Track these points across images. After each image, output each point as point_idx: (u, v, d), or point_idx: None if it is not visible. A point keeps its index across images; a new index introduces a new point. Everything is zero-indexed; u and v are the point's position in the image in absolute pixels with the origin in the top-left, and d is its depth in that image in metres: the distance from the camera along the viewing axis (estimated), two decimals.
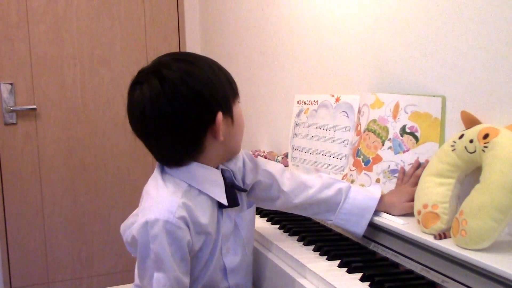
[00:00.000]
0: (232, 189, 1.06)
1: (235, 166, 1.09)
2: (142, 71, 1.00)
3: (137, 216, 0.98)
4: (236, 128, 1.04)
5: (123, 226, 1.05)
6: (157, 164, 1.05)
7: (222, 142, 1.01)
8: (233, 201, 1.04)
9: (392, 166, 1.12)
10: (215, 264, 1.04)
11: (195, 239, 0.98)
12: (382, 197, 1.09)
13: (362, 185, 1.16)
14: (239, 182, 1.10)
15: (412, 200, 1.02)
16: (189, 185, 1.00)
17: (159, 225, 0.93)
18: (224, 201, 1.02)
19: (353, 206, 1.09)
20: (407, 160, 1.10)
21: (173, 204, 0.95)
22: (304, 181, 1.15)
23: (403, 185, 1.10)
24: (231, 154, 1.08)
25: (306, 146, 1.45)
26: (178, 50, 2.64)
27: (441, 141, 1.05)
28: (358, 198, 1.10)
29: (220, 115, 0.98)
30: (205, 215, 1.00)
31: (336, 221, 1.12)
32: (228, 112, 1.01)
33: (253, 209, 1.13)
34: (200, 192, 1.00)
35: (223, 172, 1.05)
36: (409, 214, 1.04)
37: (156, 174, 1.03)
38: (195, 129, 0.98)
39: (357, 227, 1.08)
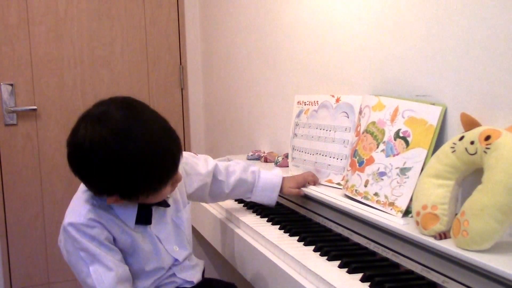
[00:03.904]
0: (150, 207, 1.10)
1: None
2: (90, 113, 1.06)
3: None
4: None
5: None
6: None
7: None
8: (145, 218, 1.10)
9: (381, 169, 1.11)
10: (165, 261, 1.12)
11: (120, 236, 1.06)
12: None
13: (353, 186, 1.18)
14: (176, 196, 1.18)
15: (301, 186, 1.34)
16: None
17: (73, 227, 1.02)
18: (131, 224, 1.07)
19: (265, 183, 1.36)
20: (394, 164, 1.09)
21: (83, 209, 1.04)
22: (228, 167, 1.35)
23: (306, 172, 1.38)
24: None
25: (306, 146, 1.45)
26: (178, 51, 2.64)
27: (431, 148, 1.04)
28: (267, 177, 1.37)
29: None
30: (114, 224, 1.07)
31: (254, 198, 1.38)
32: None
33: (188, 207, 1.23)
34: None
35: None
36: (409, 214, 1.04)
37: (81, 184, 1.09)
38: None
39: (270, 201, 1.37)
